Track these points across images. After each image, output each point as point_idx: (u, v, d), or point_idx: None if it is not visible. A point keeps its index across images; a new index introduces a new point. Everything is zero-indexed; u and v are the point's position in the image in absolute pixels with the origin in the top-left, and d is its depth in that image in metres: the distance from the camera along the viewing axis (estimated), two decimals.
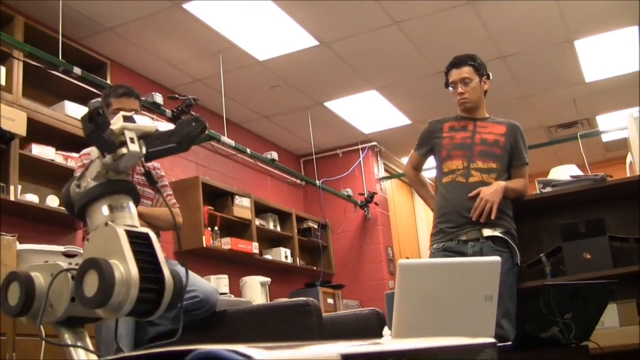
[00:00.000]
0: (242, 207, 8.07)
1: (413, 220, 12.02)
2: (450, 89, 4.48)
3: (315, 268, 9.58)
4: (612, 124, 10.18)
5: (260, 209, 8.64)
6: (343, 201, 10.13)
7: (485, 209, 4.14)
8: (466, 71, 4.39)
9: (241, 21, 6.71)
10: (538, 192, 4.74)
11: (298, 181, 10.21)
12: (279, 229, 8.98)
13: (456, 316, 2.54)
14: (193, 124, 1.71)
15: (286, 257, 8.73)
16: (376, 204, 10.25)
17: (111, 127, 1.71)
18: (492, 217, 4.14)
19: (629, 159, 6.08)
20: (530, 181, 4.61)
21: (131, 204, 1.75)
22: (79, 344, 1.69)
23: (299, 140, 9.94)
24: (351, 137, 10.22)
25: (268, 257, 8.52)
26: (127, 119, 1.72)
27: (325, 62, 7.70)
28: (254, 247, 7.98)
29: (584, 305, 2.73)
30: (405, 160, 11.17)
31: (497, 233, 4.19)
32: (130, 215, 1.72)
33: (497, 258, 2.66)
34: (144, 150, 1.72)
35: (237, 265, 7.99)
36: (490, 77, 4.51)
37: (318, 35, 7.10)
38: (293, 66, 7.76)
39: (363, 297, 9.64)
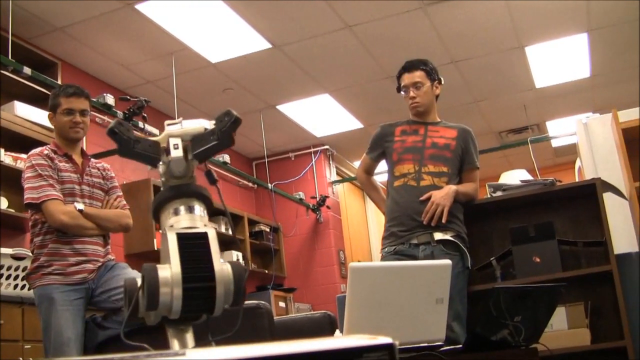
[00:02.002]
0: None
1: (365, 224, 12.06)
2: (402, 93, 4.49)
3: (267, 271, 9.55)
4: (561, 130, 10.31)
5: (212, 212, 8.54)
6: (295, 204, 10.12)
7: (437, 212, 4.16)
8: (418, 75, 4.41)
9: (194, 23, 6.67)
10: (489, 196, 4.78)
11: (250, 184, 10.17)
12: (230, 232, 8.94)
13: (407, 319, 2.55)
14: (225, 119, 1.73)
15: (238, 260, 8.68)
16: (328, 207, 10.26)
17: (154, 138, 1.77)
18: (443, 220, 4.17)
19: (577, 164, 6.18)
20: (481, 185, 4.65)
21: (194, 205, 1.75)
22: (176, 342, 1.66)
23: (251, 143, 9.91)
24: (303, 140, 10.21)
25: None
26: (171, 125, 1.76)
27: (278, 65, 7.69)
28: None
29: (533, 308, 2.75)
30: (357, 163, 11.22)
31: (448, 237, 4.22)
32: (191, 217, 1.72)
33: (448, 261, 2.68)
34: (190, 155, 1.74)
35: None
36: (442, 82, 4.54)
37: (271, 38, 7.09)
38: (246, 69, 7.73)
39: (315, 300, 9.64)
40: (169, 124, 1.76)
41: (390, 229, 4.37)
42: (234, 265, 1.63)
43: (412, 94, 4.42)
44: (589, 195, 4.46)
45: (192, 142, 1.76)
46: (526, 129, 10.46)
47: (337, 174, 11.02)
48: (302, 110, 9.13)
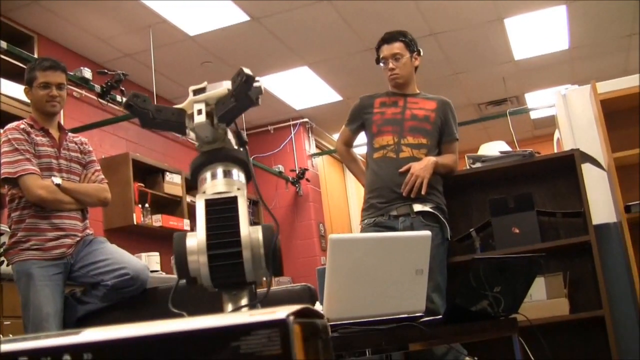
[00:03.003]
0: (173, 183, 8.00)
1: (344, 197, 12.07)
2: (381, 64, 4.48)
3: None
4: (540, 102, 10.33)
5: (192, 186, 8.55)
6: (274, 178, 10.11)
7: (416, 184, 4.17)
8: (397, 47, 4.40)
9: None
10: (468, 167, 4.78)
11: None
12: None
13: (387, 290, 2.55)
14: (238, 79, 1.70)
15: None
16: (308, 180, 10.26)
17: (179, 105, 1.74)
18: (423, 192, 4.17)
19: (556, 135, 6.19)
20: (461, 157, 4.65)
21: (226, 169, 1.72)
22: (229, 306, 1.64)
23: None
24: (282, 113, 10.17)
25: None
26: (197, 91, 1.72)
27: (257, 37, 7.64)
28: (185, 224, 7.92)
29: (512, 279, 2.76)
30: (337, 136, 11.21)
31: (427, 208, 4.22)
32: (223, 182, 1.69)
33: (428, 232, 2.68)
34: (215, 119, 1.71)
35: (169, 243, 7.86)
36: (421, 54, 4.53)
37: (249, 11, 7.03)
38: (224, 42, 7.69)
39: (295, 273, 9.64)
40: (193, 89, 1.74)
41: (369, 200, 4.37)
42: (265, 229, 1.60)
43: (391, 65, 4.41)
44: (568, 166, 4.47)
45: (216, 105, 1.73)
46: (505, 101, 10.49)
47: (317, 146, 11.01)
48: (281, 83, 9.10)
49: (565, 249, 4.41)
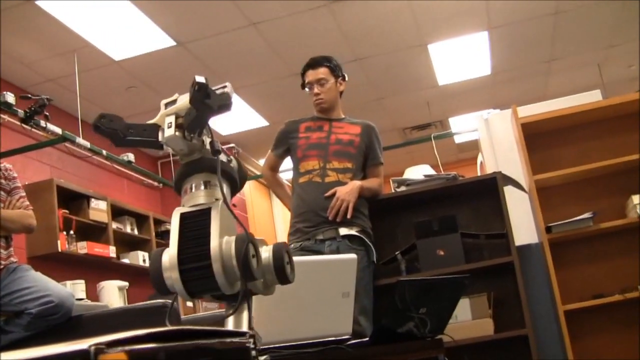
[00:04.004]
0: (99, 210, 7.88)
1: (271, 221, 12.07)
2: (307, 89, 4.52)
3: None
4: (464, 126, 10.50)
5: (117, 212, 8.45)
6: None
7: (342, 208, 4.20)
8: (322, 72, 4.45)
9: (97, 20, 6.53)
10: (393, 191, 4.84)
11: (155, 183, 10.05)
12: (136, 232, 8.81)
13: (314, 313, 2.56)
14: (191, 88, 1.69)
15: (144, 260, 8.57)
16: (234, 205, 10.13)
17: (152, 120, 1.72)
18: (348, 216, 4.21)
19: (479, 158, 6.30)
20: (386, 181, 4.71)
21: (205, 180, 1.68)
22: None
23: None
24: None
25: (126, 261, 8.34)
26: (168, 104, 1.70)
27: (183, 62, 7.62)
28: (111, 251, 7.81)
29: (437, 300, 2.80)
30: (263, 161, 11.21)
31: (353, 232, 4.26)
32: (202, 194, 1.66)
33: (354, 256, 2.71)
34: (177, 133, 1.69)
35: (94, 270, 7.78)
36: (346, 79, 4.59)
37: (175, 35, 7.02)
38: (149, 66, 7.65)
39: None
40: (165, 103, 1.73)
41: (295, 225, 4.39)
42: (238, 239, 1.57)
43: (316, 90, 4.45)
44: (491, 188, 4.57)
45: (185, 117, 1.73)
46: (429, 125, 10.64)
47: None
48: None
49: (489, 269, 4.49)
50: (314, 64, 4.51)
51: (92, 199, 7.83)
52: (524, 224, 4.99)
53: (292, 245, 4.34)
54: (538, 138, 4.93)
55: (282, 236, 11.64)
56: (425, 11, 7.26)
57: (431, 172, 5.57)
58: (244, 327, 1.65)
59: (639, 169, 4.78)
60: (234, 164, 1.83)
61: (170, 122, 1.67)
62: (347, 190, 4.25)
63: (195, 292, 1.58)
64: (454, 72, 9.03)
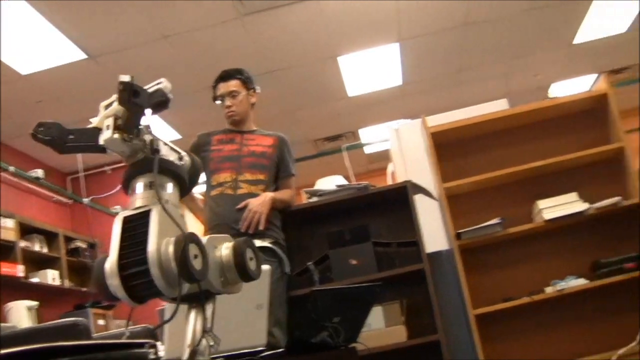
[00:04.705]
0: (6, 228, 7.69)
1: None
2: (218, 102, 4.52)
3: (85, 289, 9.26)
4: (374, 137, 10.62)
5: (26, 230, 8.26)
6: (112, 218, 9.87)
7: (254, 220, 4.21)
8: (234, 84, 4.47)
9: (3, 33, 6.37)
10: (306, 202, 4.87)
11: (65, 200, 9.86)
12: (46, 250, 8.61)
13: (227, 326, 2.55)
14: (118, 87, 1.63)
15: (54, 279, 8.39)
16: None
17: (93, 124, 1.68)
18: (261, 227, 4.22)
19: (390, 168, 6.39)
20: (299, 193, 4.74)
21: (148, 181, 1.63)
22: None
23: (64, 158, 9.60)
24: None
25: (35, 280, 8.14)
26: (108, 106, 1.66)
27: (94, 76, 7.48)
28: (20, 270, 7.63)
29: (351, 309, 2.83)
30: None
31: (266, 243, 4.27)
32: (143, 196, 1.61)
33: (267, 267, 2.71)
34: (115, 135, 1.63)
35: (2, 290, 7.59)
36: (257, 91, 4.60)
37: (86, 49, 6.91)
38: (59, 80, 7.49)
39: (135, 315, 9.42)
40: (104, 104, 1.68)
41: None
42: (177, 240, 1.52)
43: (228, 102, 4.46)
44: (401, 197, 4.63)
45: (121, 117, 1.68)
46: (341, 136, 10.71)
47: None
48: None
49: (401, 277, 4.54)
50: (225, 76, 4.52)
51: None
52: (434, 231, 5.07)
53: None
54: (447, 147, 5.02)
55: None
56: (336, 24, 7.32)
57: (343, 182, 5.61)
58: (198, 330, 1.66)
59: (544, 175, 4.93)
60: (185, 161, 1.80)
61: (109, 125, 1.64)
62: (259, 202, 4.27)
63: (140, 298, 1.54)
64: (364, 83, 9.11)
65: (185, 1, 6.41)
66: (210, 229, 4.38)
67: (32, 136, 1.68)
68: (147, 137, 1.69)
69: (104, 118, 1.66)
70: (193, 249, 1.53)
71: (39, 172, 7.88)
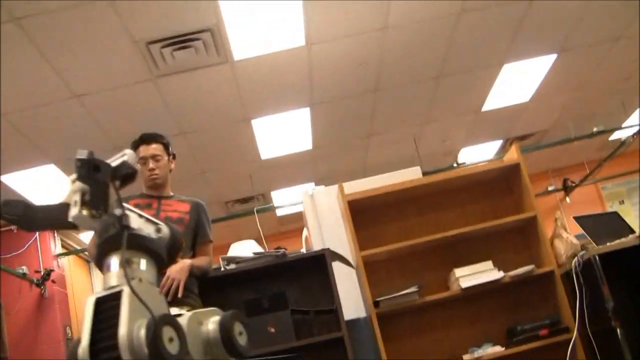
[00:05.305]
0: None
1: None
2: (138, 165, 4.46)
3: None
4: (285, 199, 10.65)
5: None
6: (18, 279, 9.59)
7: (173, 287, 4.15)
8: (156, 148, 4.44)
9: None
10: (222, 269, 4.83)
11: None
12: None
13: None
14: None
15: None
16: (53, 281, 9.84)
17: (62, 199, 1.60)
18: (179, 295, 4.16)
19: (304, 233, 6.39)
20: (215, 257, 4.70)
21: (116, 259, 1.52)
22: None
23: None
24: None
25: None
26: (74, 180, 1.57)
27: (2, 133, 7.33)
28: None
29: None
30: (84, 235, 10.93)
31: (184, 311, 4.18)
32: (116, 274, 1.51)
33: None
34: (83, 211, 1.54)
35: None
36: (175, 157, 4.58)
37: None
38: None
39: None
40: (72, 179, 1.60)
41: None
42: (149, 323, 1.43)
43: (151, 165, 4.41)
44: (319, 264, 4.64)
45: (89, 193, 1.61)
46: (252, 198, 10.71)
47: (63, 246, 10.64)
48: (26, 181, 8.74)
49: (320, 345, 4.53)
50: (148, 139, 4.47)
51: None
52: (351, 298, 5.09)
53: None
54: (363, 214, 5.07)
55: None
56: (250, 86, 7.35)
57: (257, 247, 5.59)
58: None
59: (459, 242, 5.01)
60: (163, 233, 1.72)
61: (76, 201, 1.58)
62: (177, 269, 4.20)
63: None
64: (276, 146, 9.15)
65: (99, 61, 6.35)
66: None
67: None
68: (118, 212, 1.63)
69: (71, 193, 1.61)
70: (168, 332, 1.46)
71: None
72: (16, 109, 6.93)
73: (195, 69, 6.82)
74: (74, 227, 1.62)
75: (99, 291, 1.55)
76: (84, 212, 1.57)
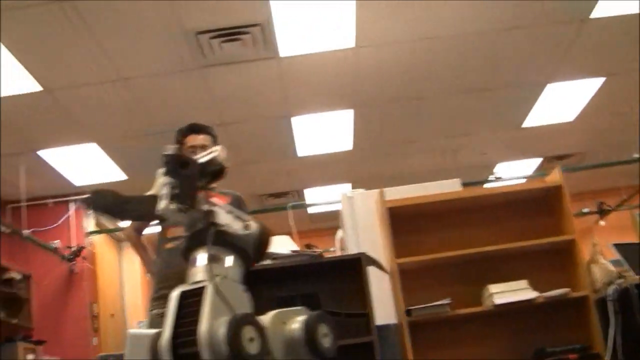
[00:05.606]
0: None
1: (119, 277, 11.79)
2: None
3: (14, 322, 9.04)
4: (318, 198, 10.70)
5: None
6: (49, 253, 9.71)
7: None
8: (205, 139, 4.47)
9: None
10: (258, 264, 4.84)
11: (2, 229, 9.60)
12: None
13: None
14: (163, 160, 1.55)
15: None
16: (84, 258, 9.95)
17: (150, 191, 1.64)
18: None
19: (339, 234, 6.41)
20: None
21: (209, 254, 1.51)
22: None
23: (7, 186, 9.39)
24: (63, 188, 9.84)
25: None
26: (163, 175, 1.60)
27: (46, 109, 7.38)
28: None
29: None
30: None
31: None
32: (201, 270, 1.50)
33: None
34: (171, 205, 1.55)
35: None
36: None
37: (43, 81, 6.82)
38: (11, 110, 7.33)
39: (64, 353, 9.23)
40: (161, 172, 1.61)
41: (160, 291, 4.31)
42: (231, 321, 1.42)
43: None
44: (354, 267, 4.64)
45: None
46: (286, 194, 10.75)
47: (96, 224, 10.74)
48: (65, 158, 8.85)
49: (348, 348, 4.52)
50: (198, 129, 4.51)
51: None
52: (382, 303, 5.08)
53: (155, 311, 4.26)
54: (402, 222, 5.06)
55: (129, 293, 11.45)
56: (294, 84, 7.40)
57: (291, 243, 5.60)
58: None
59: (494, 258, 5.00)
60: (251, 229, 1.69)
61: (164, 194, 1.57)
62: None
63: None
64: (315, 144, 9.19)
65: (148, 46, 6.41)
66: (163, 281, 4.32)
67: (87, 205, 1.63)
68: (205, 207, 1.62)
69: (160, 186, 1.60)
70: (248, 331, 1.44)
71: None
72: (63, 86, 7.02)
73: (241, 62, 6.88)
74: (161, 219, 1.63)
75: (185, 285, 1.54)
76: (172, 206, 1.56)
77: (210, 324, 1.43)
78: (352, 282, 4.76)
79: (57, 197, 10.08)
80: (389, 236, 4.88)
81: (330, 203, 9.64)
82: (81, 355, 9.30)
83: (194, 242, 1.60)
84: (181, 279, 4.12)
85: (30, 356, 8.52)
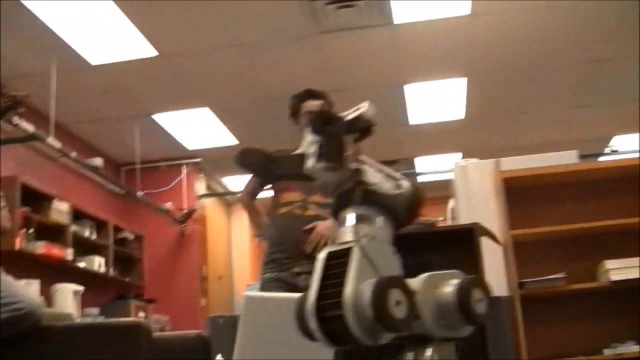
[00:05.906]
0: (60, 211, 7.74)
1: (227, 241, 11.98)
2: (301, 119, 4.46)
3: (126, 280, 9.33)
4: (429, 166, 10.61)
5: (78, 215, 8.30)
6: (162, 214, 9.94)
7: (320, 243, 4.18)
8: (323, 105, 4.44)
9: (78, 21, 6.42)
10: None
11: (118, 189, 9.91)
12: (94, 236, 8.67)
13: (299, 351, 2.54)
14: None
15: (100, 266, 8.44)
16: (195, 220, 10.15)
17: (299, 150, 1.59)
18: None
19: (451, 204, 6.34)
20: None
21: (357, 214, 1.54)
22: None
23: (122, 149, 9.67)
24: (176, 151, 10.06)
25: (81, 264, 8.18)
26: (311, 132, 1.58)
27: (162, 74, 7.54)
28: (68, 254, 7.69)
29: None
30: (228, 179, 11.18)
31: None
32: (349, 230, 1.49)
33: None
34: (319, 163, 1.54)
35: (48, 271, 7.62)
36: None
37: (159, 46, 6.95)
38: (127, 74, 7.55)
39: (173, 313, 9.47)
40: (309, 131, 1.59)
41: (272, 255, 4.34)
42: (376, 284, 1.34)
43: None
44: (466, 238, 4.58)
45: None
46: (397, 161, 10.70)
47: (207, 187, 10.92)
48: (178, 122, 9.01)
49: None
50: (315, 95, 4.47)
51: (55, 200, 7.69)
52: (493, 275, 5.01)
53: (267, 274, 4.29)
54: (518, 193, 4.98)
55: (238, 256, 11.62)
56: (408, 51, 7.33)
57: None
58: None
59: (611, 234, 4.86)
60: (403, 188, 1.65)
61: (313, 152, 1.54)
62: (327, 226, 4.22)
63: (336, 342, 1.38)
64: (426, 113, 9.11)
65: (264, 12, 6.43)
66: (275, 245, 4.34)
67: (238, 162, 1.62)
68: (354, 166, 1.59)
69: (308, 145, 1.57)
70: (395, 295, 1.36)
71: (98, 161, 7.91)
72: (178, 52, 7.11)
73: (355, 28, 6.84)
74: (309, 179, 1.59)
75: (332, 245, 1.51)
76: (320, 164, 1.53)
77: (356, 285, 1.35)
78: (464, 252, 4.71)
79: (169, 160, 10.29)
80: (504, 207, 4.81)
81: (442, 172, 9.55)
82: (189, 316, 9.51)
83: (342, 201, 1.54)
84: (292, 243, 4.16)
85: (141, 314, 8.76)
